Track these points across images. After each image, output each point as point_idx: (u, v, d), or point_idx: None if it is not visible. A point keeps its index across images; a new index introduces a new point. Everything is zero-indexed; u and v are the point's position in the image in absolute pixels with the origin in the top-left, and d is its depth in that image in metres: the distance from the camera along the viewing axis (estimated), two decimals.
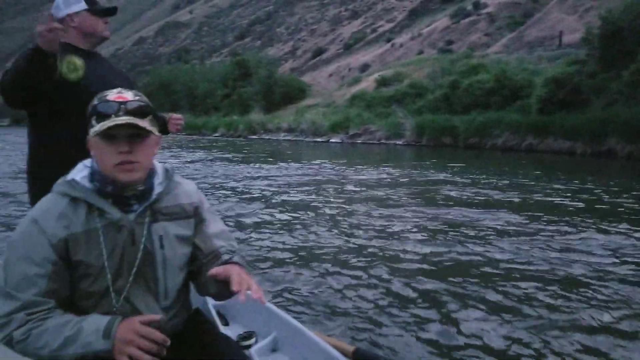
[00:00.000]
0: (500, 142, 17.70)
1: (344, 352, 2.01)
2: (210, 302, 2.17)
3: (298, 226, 5.97)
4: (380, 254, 4.70)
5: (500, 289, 3.69)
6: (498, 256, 4.52)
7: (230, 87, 42.99)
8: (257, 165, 13.77)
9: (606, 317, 3.18)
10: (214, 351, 1.45)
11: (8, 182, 10.17)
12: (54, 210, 1.31)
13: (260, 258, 4.58)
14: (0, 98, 1.91)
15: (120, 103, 1.31)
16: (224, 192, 8.77)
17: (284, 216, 6.58)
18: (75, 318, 1.26)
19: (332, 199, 7.84)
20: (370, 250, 4.83)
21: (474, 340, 2.89)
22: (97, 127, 1.29)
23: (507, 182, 9.45)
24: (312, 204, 7.42)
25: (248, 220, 6.28)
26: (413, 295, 3.62)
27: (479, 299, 3.50)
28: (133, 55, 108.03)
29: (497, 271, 4.13)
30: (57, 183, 1.38)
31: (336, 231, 5.67)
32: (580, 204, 7.13)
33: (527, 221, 5.93)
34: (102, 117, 1.29)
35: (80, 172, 1.38)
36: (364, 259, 4.53)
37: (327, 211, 6.87)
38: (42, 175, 2.04)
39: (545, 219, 6.04)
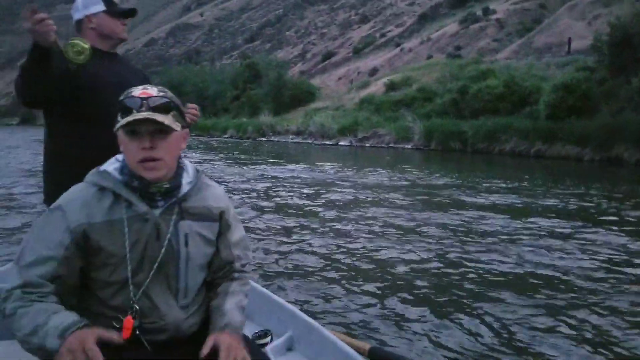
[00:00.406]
0: (508, 148, 17.76)
1: (359, 350, 2.02)
2: None
3: (306, 227, 6.10)
4: (394, 255, 4.83)
5: (514, 293, 3.81)
6: (514, 261, 4.65)
7: (240, 89, 43.29)
8: (265, 166, 13.94)
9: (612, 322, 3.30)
10: None
11: (21, 179, 10.40)
12: (79, 198, 1.34)
13: (272, 260, 4.68)
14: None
15: (143, 99, 1.32)
16: (231, 193, 8.93)
17: (291, 219, 6.70)
18: (56, 309, 1.25)
19: (341, 201, 7.98)
20: (382, 251, 4.95)
21: (490, 341, 2.95)
22: (121, 121, 1.31)
23: (515, 186, 9.56)
24: (321, 206, 7.56)
25: (257, 221, 6.44)
26: (428, 295, 3.71)
27: (496, 300, 3.57)
28: (144, 56, 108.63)
29: (507, 278, 4.26)
30: (89, 173, 1.41)
31: (347, 231, 5.81)
32: (587, 209, 7.23)
33: (536, 226, 6.05)
34: (126, 111, 1.31)
35: (112, 164, 1.41)
36: (375, 259, 4.66)
37: (335, 212, 7.00)
38: (56, 174, 2.09)
39: (555, 223, 6.16)
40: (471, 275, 4.11)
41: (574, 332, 3.04)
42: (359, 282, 3.99)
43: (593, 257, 4.64)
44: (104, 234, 1.31)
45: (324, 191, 8.97)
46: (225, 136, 34.55)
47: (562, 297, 3.60)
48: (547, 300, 3.57)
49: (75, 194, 1.36)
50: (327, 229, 5.94)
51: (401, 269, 4.33)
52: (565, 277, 4.06)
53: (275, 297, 2.34)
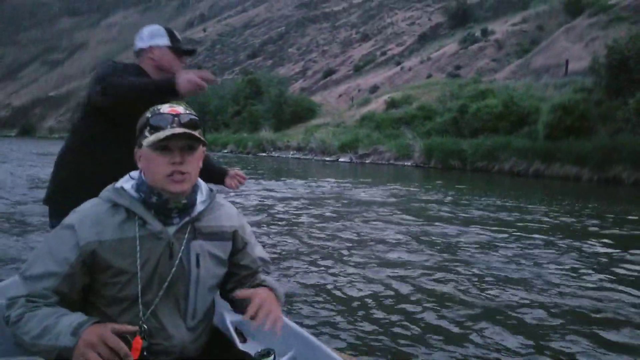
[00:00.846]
0: (507, 167, 17.90)
1: None
2: (229, 318, 2.16)
3: (308, 244, 6.14)
4: (397, 272, 4.92)
5: (516, 308, 3.92)
6: (513, 276, 4.76)
7: (241, 104, 43.61)
8: (265, 181, 14.06)
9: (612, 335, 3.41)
10: None
11: (25, 190, 10.50)
12: (91, 215, 1.34)
13: (274, 278, 4.66)
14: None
15: (174, 115, 1.34)
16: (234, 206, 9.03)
17: (292, 236, 6.75)
18: (64, 311, 1.25)
19: (342, 215, 8.08)
20: (387, 268, 5.02)
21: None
22: (152, 137, 1.31)
23: (515, 205, 9.69)
24: (322, 221, 7.67)
25: (258, 234, 6.54)
26: (431, 313, 3.73)
27: (505, 325, 3.58)
28: None
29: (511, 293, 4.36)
30: (105, 189, 1.41)
31: (350, 247, 5.91)
32: (585, 227, 7.36)
33: (533, 242, 6.17)
34: (156, 129, 1.32)
35: (127, 182, 1.41)
36: (380, 277, 4.70)
37: (336, 228, 7.10)
38: (62, 175, 2.15)
39: (551, 240, 6.28)
40: (484, 295, 4.21)
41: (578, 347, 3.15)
42: (365, 300, 3.98)
43: (591, 269, 4.76)
44: (114, 251, 1.31)
45: (324, 206, 9.07)
46: (225, 151, 34.71)
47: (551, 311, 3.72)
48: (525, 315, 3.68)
49: (88, 211, 1.36)
50: (329, 245, 6.01)
51: (405, 288, 4.36)
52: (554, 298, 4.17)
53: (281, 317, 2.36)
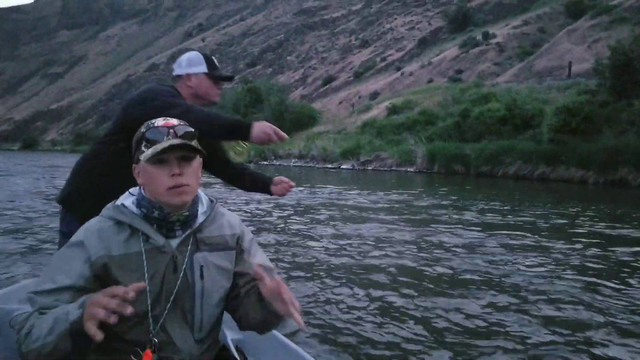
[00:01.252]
0: (512, 171, 17.76)
1: None
2: (229, 336, 2.17)
3: (312, 256, 6.05)
4: (400, 283, 4.77)
5: (523, 311, 3.75)
6: (512, 280, 4.59)
7: (242, 113, 43.58)
8: None
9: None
10: None
11: (37, 203, 10.37)
12: (97, 231, 1.34)
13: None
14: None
15: (170, 128, 1.35)
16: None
17: (299, 247, 6.67)
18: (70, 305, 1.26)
19: (343, 222, 7.93)
20: (389, 279, 4.90)
21: None
22: (150, 151, 1.32)
23: (520, 208, 9.52)
24: (322, 227, 7.51)
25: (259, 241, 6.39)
26: (434, 325, 3.64)
27: (499, 332, 3.52)
28: (145, 81, 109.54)
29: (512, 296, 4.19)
30: (105, 207, 1.42)
31: (351, 259, 5.76)
32: (589, 230, 7.19)
33: (538, 245, 6.00)
34: (153, 142, 1.33)
35: (127, 199, 1.42)
36: (383, 290, 4.58)
37: (337, 234, 6.96)
38: (82, 181, 2.18)
39: (558, 244, 6.11)
40: (484, 300, 4.05)
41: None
42: (368, 316, 3.87)
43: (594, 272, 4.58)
44: (122, 267, 1.31)
45: (325, 213, 8.92)
46: None
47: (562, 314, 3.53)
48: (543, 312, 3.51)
49: (93, 227, 1.36)
50: (331, 255, 5.87)
51: (410, 299, 4.25)
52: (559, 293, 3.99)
53: (280, 336, 2.26)
